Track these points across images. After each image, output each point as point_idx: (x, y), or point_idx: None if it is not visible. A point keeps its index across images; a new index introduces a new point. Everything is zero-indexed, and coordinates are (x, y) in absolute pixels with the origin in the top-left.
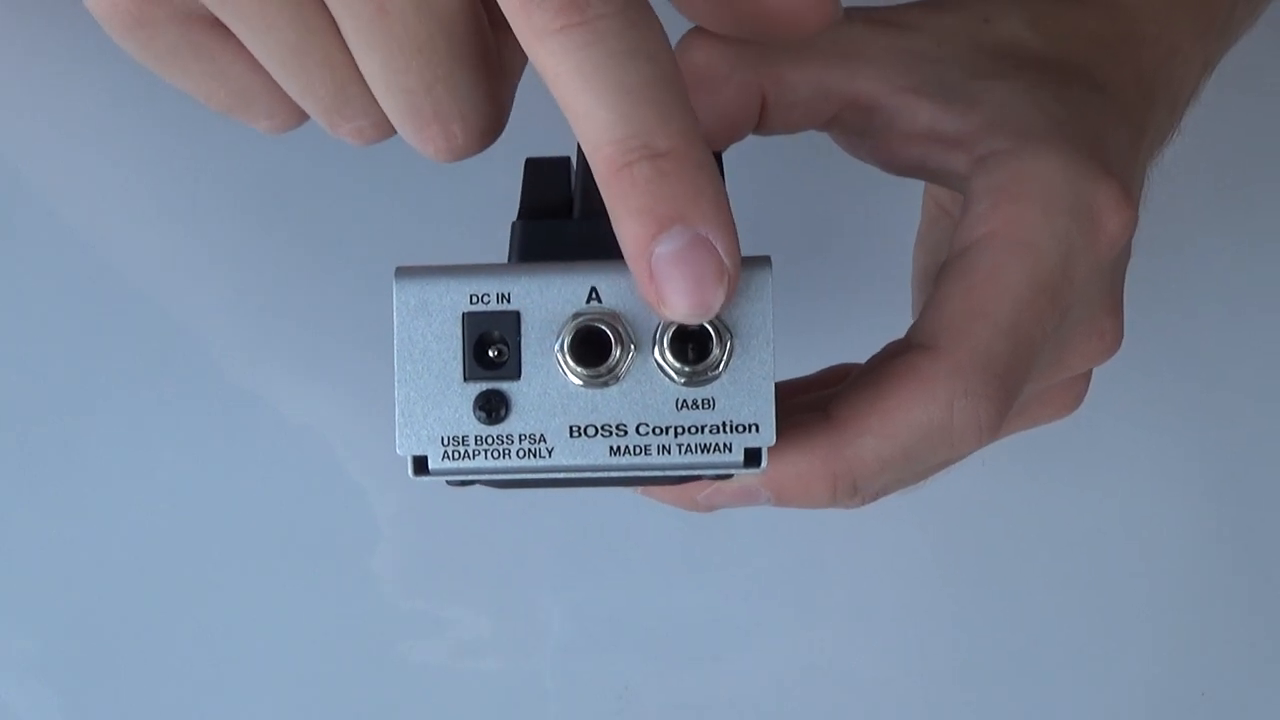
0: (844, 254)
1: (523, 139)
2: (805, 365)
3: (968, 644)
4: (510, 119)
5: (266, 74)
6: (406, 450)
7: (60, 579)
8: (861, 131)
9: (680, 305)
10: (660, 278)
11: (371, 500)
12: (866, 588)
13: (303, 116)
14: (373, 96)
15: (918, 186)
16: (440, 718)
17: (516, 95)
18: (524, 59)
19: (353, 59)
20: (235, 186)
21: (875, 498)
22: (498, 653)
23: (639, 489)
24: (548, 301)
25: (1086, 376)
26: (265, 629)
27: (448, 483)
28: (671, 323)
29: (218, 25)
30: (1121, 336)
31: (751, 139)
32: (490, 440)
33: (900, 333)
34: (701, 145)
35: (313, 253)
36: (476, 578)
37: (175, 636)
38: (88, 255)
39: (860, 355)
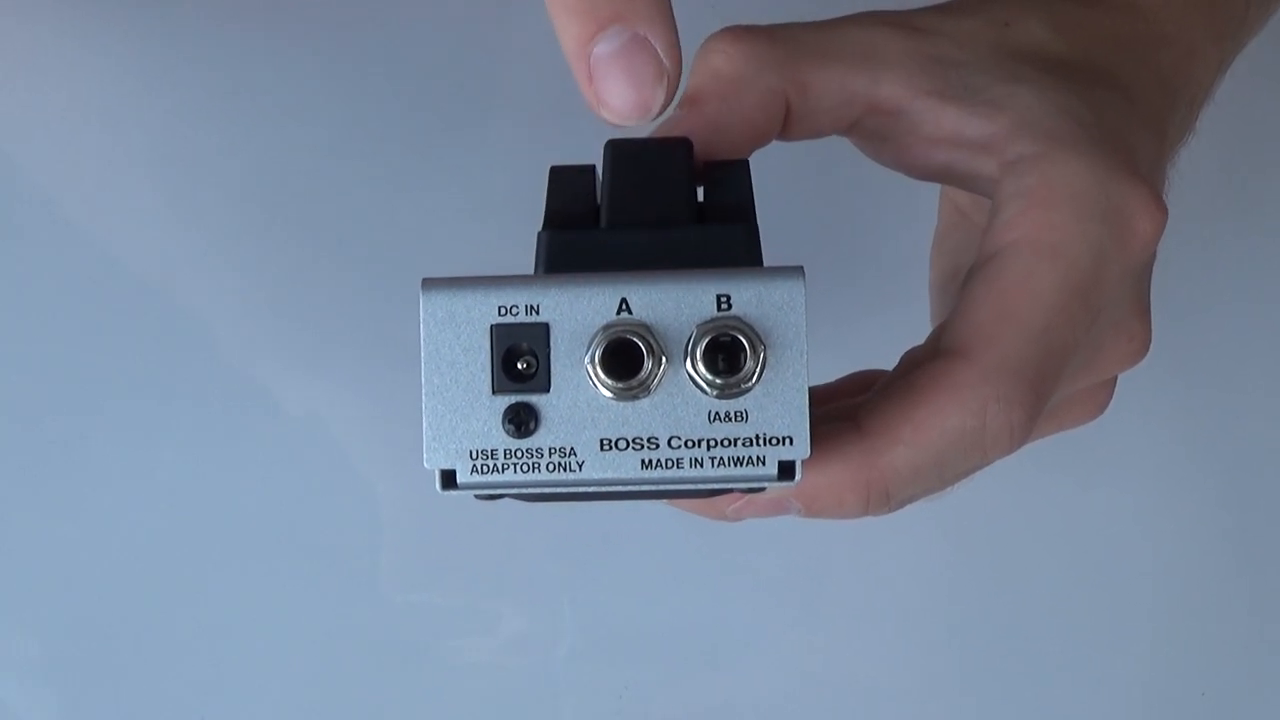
0: (860, 259)
1: (542, 131)
2: (823, 372)
3: (968, 643)
4: (531, 129)
5: None
6: (434, 464)
7: (60, 579)
8: (885, 136)
9: (618, 104)
10: (598, 77)
11: (375, 500)
12: (869, 592)
13: None
14: None
15: (934, 191)
16: (442, 716)
17: (537, 105)
18: None
19: None
20: (238, 182)
21: (901, 505)
22: (500, 652)
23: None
24: (577, 313)
25: (1112, 381)
26: (268, 628)
27: (476, 496)
28: (707, 333)
29: None
30: (1150, 340)
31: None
32: (519, 454)
33: (918, 338)
34: None
35: (317, 249)
36: (480, 577)
37: (176, 635)
38: (90, 251)
39: (877, 361)
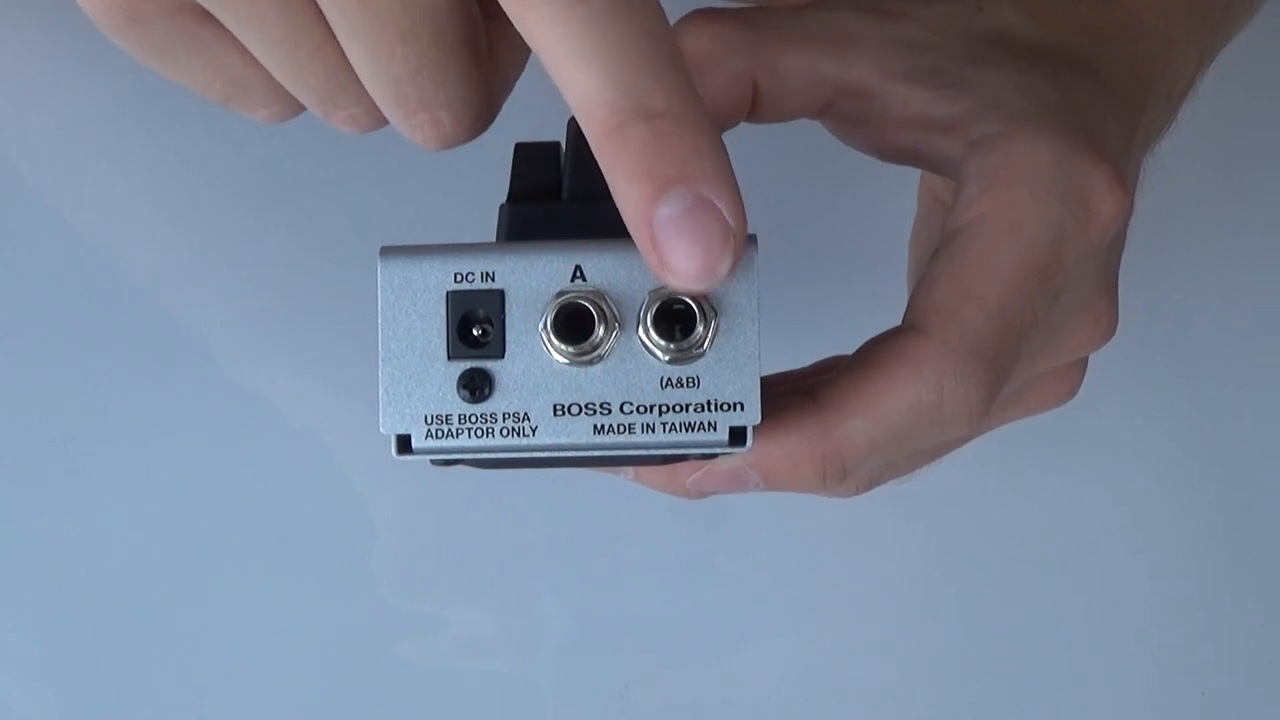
0: (838, 247)
1: (514, 126)
2: (797, 359)
3: (966, 643)
4: (531, 109)
5: (261, 64)
6: (390, 429)
7: (60, 579)
8: (854, 119)
9: (686, 270)
10: (663, 242)
11: (370, 499)
12: (865, 587)
13: (300, 105)
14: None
15: (913, 178)
16: (440, 718)
17: (536, 86)
18: (523, 52)
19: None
20: (236, 185)
21: (869, 485)
22: (497, 652)
23: (630, 475)
24: (532, 280)
25: (1082, 364)
26: (264, 628)
27: (431, 462)
28: (659, 299)
29: (210, 17)
30: (1116, 322)
31: (743, 127)
32: (474, 419)
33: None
34: (698, 103)
35: (313, 251)
36: (475, 577)
37: (176, 636)
38: (87, 254)
39: (854, 349)
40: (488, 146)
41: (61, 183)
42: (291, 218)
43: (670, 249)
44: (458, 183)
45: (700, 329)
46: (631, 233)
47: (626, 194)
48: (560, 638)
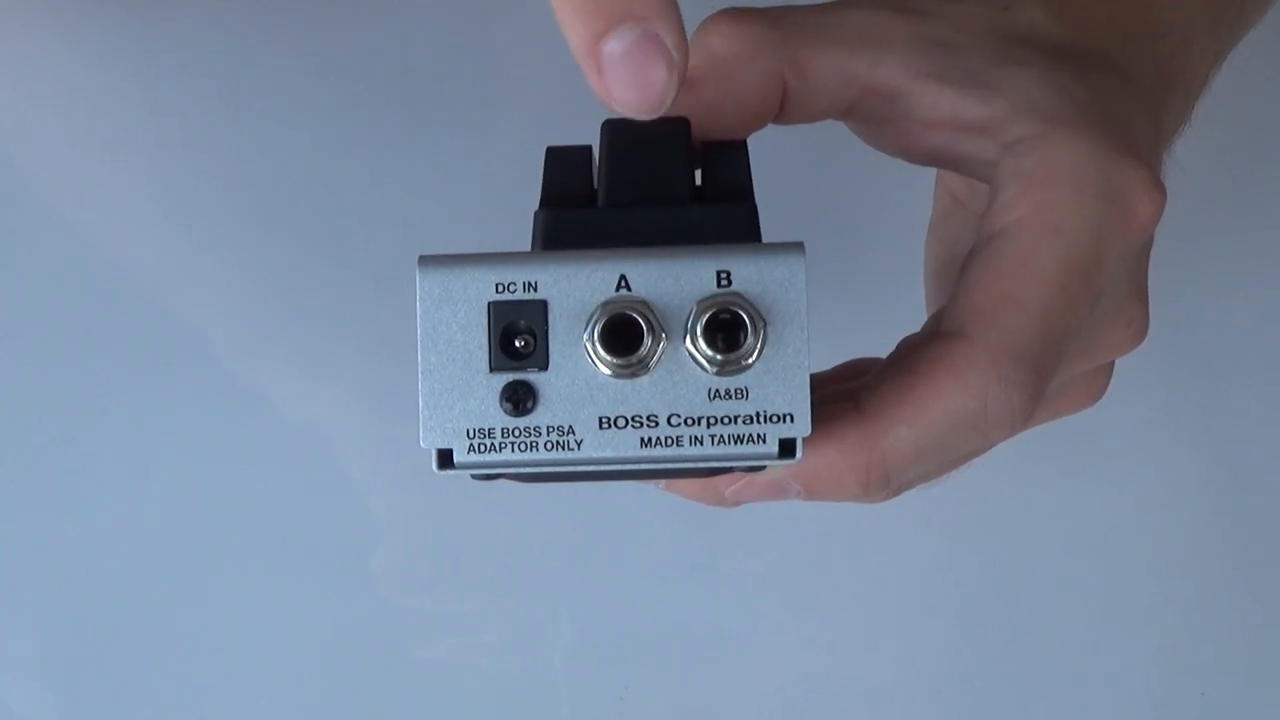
0: (857, 247)
1: (542, 130)
2: (817, 360)
3: (968, 643)
4: (528, 110)
5: None
6: (431, 443)
7: (60, 579)
8: (882, 119)
9: (632, 98)
10: (610, 74)
11: (372, 500)
12: (867, 588)
13: None
14: None
15: (929, 178)
16: (442, 717)
17: (531, 86)
18: None
19: None
20: (236, 184)
21: (902, 490)
22: (499, 653)
23: (663, 483)
24: (576, 290)
25: (1109, 367)
26: (268, 628)
27: (473, 476)
28: (707, 310)
29: None
30: (1148, 325)
31: (769, 128)
32: (517, 432)
33: (913, 327)
34: None
35: (316, 250)
36: (479, 578)
37: (176, 636)
38: (89, 252)
39: (874, 349)
40: (488, 149)
41: (61, 183)
42: (292, 217)
43: (617, 81)
44: (457, 182)
45: (749, 340)
46: (580, 65)
47: (574, 27)
48: (560, 639)
